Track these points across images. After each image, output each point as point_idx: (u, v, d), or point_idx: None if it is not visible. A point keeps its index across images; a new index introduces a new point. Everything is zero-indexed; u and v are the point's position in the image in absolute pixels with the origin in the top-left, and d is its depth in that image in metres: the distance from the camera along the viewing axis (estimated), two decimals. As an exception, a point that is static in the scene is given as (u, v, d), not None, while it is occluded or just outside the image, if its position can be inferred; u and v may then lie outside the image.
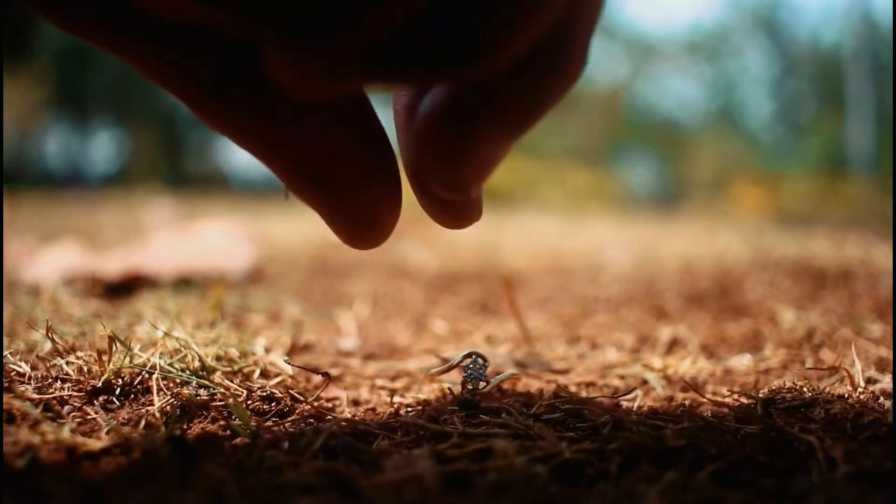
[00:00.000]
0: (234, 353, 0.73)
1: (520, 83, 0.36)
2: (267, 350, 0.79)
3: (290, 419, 0.62)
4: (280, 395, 0.65)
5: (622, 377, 0.78)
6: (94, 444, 0.51)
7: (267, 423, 0.59)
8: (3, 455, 0.47)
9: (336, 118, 0.43)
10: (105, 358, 0.64)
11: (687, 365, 0.81)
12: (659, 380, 0.76)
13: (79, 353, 0.67)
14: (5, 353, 0.68)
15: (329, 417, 0.62)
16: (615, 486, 0.48)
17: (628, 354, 0.88)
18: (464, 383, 0.65)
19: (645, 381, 0.77)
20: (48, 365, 0.66)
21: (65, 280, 1.25)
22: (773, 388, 0.64)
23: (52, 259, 1.37)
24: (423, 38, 0.31)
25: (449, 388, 0.68)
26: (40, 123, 11.52)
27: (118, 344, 0.66)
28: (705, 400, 0.67)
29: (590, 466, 0.50)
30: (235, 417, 0.57)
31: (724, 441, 0.52)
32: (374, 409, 0.66)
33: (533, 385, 0.73)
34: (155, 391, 0.61)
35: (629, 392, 0.72)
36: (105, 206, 4.34)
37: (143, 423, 0.57)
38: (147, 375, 0.63)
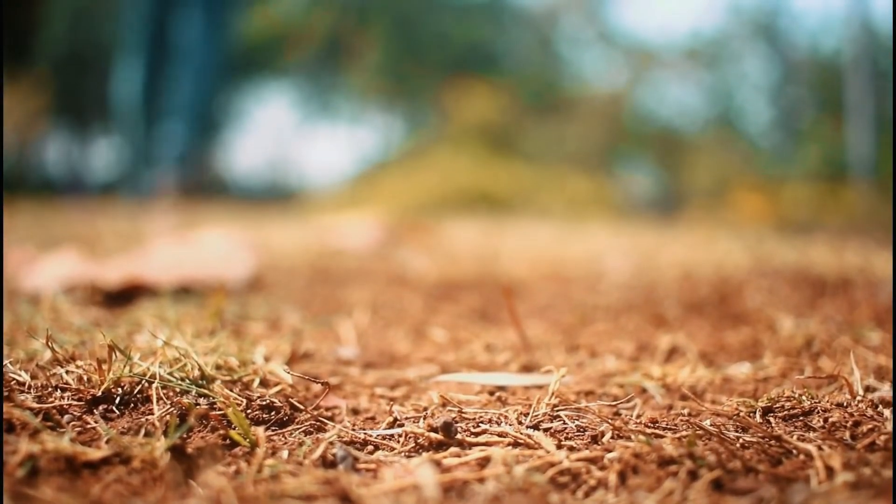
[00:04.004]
0: (233, 361, 0.73)
1: None
2: (266, 359, 0.79)
3: (289, 428, 0.62)
4: (280, 403, 0.65)
5: (621, 385, 0.78)
6: (94, 453, 0.51)
7: (266, 432, 0.59)
8: (3, 464, 0.47)
9: None
10: (105, 367, 0.64)
11: (686, 373, 0.81)
12: (658, 388, 0.76)
13: (79, 362, 0.67)
14: (5, 361, 0.68)
15: (329, 426, 0.62)
16: (614, 495, 0.48)
17: (627, 363, 0.88)
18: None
19: (644, 390, 0.77)
20: (48, 374, 0.66)
21: (64, 288, 1.25)
22: (772, 396, 0.65)
23: (51, 267, 1.37)
24: None
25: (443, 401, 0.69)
26: (40, 130, 11.53)
27: (118, 353, 0.66)
28: (704, 408, 0.67)
29: (589, 475, 0.51)
30: (235, 426, 0.57)
31: (724, 449, 0.52)
32: (373, 418, 0.67)
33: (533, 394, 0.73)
34: (155, 400, 0.61)
35: (628, 401, 0.72)
36: (105, 213, 4.34)
37: (142, 432, 0.57)
38: (147, 384, 0.63)
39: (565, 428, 0.59)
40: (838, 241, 2.69)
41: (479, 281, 1.65)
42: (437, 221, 3.89)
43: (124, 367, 0.65)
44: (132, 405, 0.62)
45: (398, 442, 0.58)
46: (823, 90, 10.17)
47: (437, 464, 0.52)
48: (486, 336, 1.04)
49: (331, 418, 0.66)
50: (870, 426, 0.56)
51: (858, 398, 0.63)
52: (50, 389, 0.62)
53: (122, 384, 0.63)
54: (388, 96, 12.93)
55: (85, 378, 0.64)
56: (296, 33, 11.76)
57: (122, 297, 1.25)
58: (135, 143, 5.63)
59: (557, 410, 0.62)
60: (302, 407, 0.65)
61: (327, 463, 0.53)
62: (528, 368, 0.85)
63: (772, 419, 0.61)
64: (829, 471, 0.49)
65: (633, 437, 0.55)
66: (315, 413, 0.64)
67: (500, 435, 0.57)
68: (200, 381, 0.65)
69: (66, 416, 0.59)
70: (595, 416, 0.62)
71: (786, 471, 0.50)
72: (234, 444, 0.56)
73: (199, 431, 0.58)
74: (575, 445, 0.56)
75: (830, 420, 0.59)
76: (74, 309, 1.12)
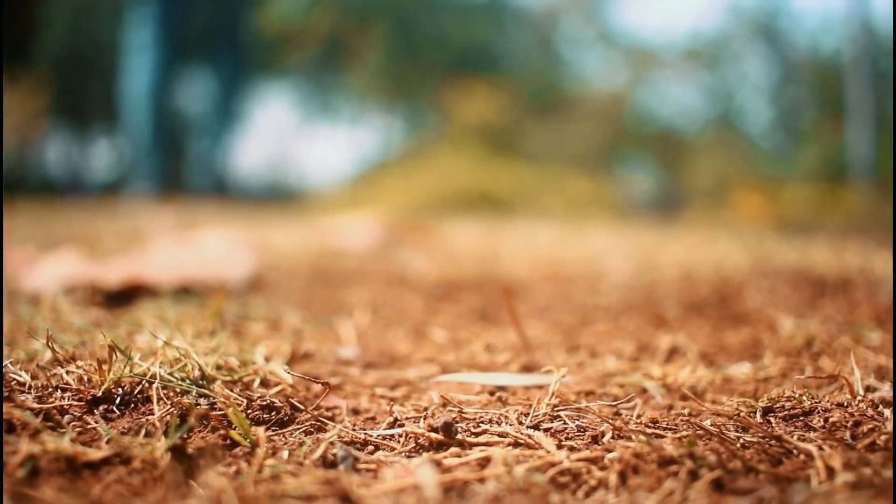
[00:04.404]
0: (234, 362, 0.73)
1: None
2: (267, 359, 0.79)
3: (290, 428, 0.62)
4: (280, 404, 0.65)
5: (622, 386, 0.78)
6: (95, 453, 0.51)
7: (267, 433, 0.59)
8: (4, 464, 0.47)
9: None
10: (105, 367, 0.64)
11: (686, 373, 0.81)
12: (658, 388, 0.76)
13: (79, 363, 0.67)
14: (6, 362, 0.68)
15: (329, 426, 0.62)
16: (615, 495, 0.48)
17: (628, 363, 0.88)
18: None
19: (644, 390, 0.77)
20: (48, 374, 0.66)
21: (65, 288, 1.25)
22: (773, 396, 0.65)
23: (51, 267, 1.37)
24: None
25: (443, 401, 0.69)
26: (40, 131, 11.53)
27: (118, 353, 0.66)
28: (705, 408, 0.67)
29: (589, 476, 0.51)
30: (235, 426, 0.57)
31: (724, 449, 0.52)
32: (373, 418, 0.67)
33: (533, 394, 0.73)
34: (155, 400, 0.61)
35: (629, 401, 0.72)
36: (105, 213, 4.35)
37: (143, 432, 0.57)
38: (147, 385, 0.63)
39: (566, 428, 0.59)
40: (838, 241, 2.69)
41: (480, 281, 1.65)
42: (438, 222, 3.89)
43: (125, 367, 0.65)
44: (132, 405, 0.62)
45: (398, 442, 0.58)
46: (823, 90, 10.17)
47: (438, 464, 0.52)
48: (486, 336, 1.04)
49: (331, 418, 0.66)
50: (870, 426, 0.56)
51: (859, 398, 0.63)
52: (50, 390, 0.62)
53: (123, 384, 0.63)
54: (388, 97, 12.92)
55: (85, 378, 0.64)
56: (296, 34, 11.76)
57: (123, 297, 1.25)
58: (143, 139, 5.70)
59: (558, 410, 0.62)
60: (302, 407, 0.65)
61: (328, 463, 0.53)
62: (528, 368, 0.85)
63: (772, 419, 0.61)
64: (830, 471, 0.49)
65: (633, 437, 0.55)
66: (315, 413, 0.64)
67: (500, 435, 0.57)
68: (201, 382, 0.65)
69: (67, 417, 0.59)
70: (595, 416, 0.62)
71: (786, 471, 0.50)
72: (235, 444, 0.56)
73: (200, 432, 0.58)
74: (575, 445, 0.56)
75: (831, 420, 0.59)
76: (75, 309, 1.12)
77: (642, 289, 1.54)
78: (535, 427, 0.59)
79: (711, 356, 0.91)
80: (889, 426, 0.56)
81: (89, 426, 0.57)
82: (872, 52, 7.88)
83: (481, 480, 0.49)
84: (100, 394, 0.62)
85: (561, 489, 0.49)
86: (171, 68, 5.68)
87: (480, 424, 0.60)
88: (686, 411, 0.67)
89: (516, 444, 0.56)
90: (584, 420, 0.60)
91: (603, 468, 0.51)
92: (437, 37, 12.70)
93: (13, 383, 0.63)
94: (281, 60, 12.49)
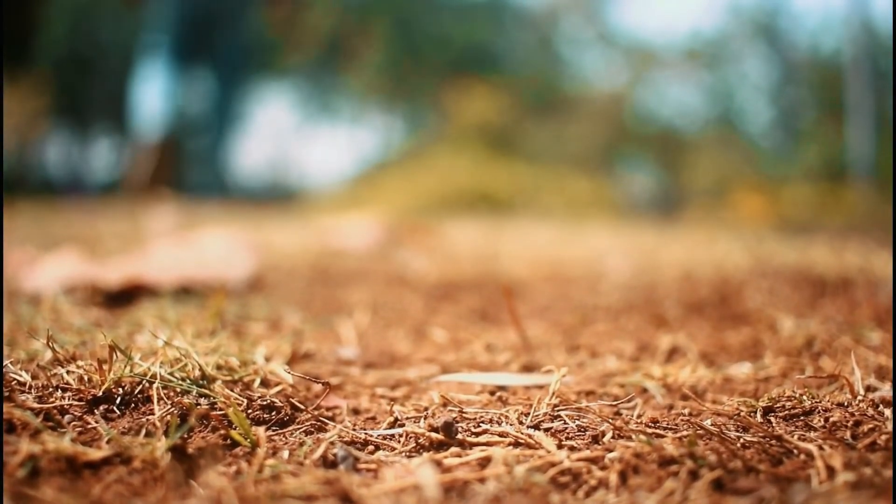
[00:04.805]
0: (234, 362, 0.73)
1: None
2: (267, 359, 0.79)
3: (290, 428, 0.62)
4: (280, 403, 0.65)
5: (622, 385, 0.78)
6: (95, 453, 0.51)
7: (267, 432, 0.59)
8: (4, 464, 0.47)
9: None
10: (105, 367, 0.64)
11: (687, 373, 0.81)
12: (659, 388, 0.76)
13: (79, 363, 0.67)
14: (6, 362, 0.68)
15: (329, 426, 0.62)
16: (615, 495, 0.48)
17: (628, 363, 0.88)
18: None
19: (645, 390, 0.77)
20: (49, 374, 0.66)
21: (65, 289, 1.25)
22: (773, 396, 0.65)
23: (52, 268, 1.37)
24: None
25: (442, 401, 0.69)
26: (40, 131, 11.53)
27: (119, 353, 0.66)
28: (705, 408, 0.67)
29: (590, 475, 0.51)
30: (236, 426, 0.57)
31: (724, 449, 0.52)
32: (374, 418, 0.67)
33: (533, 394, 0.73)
34: (155, 400, 0.61)
35: (629, 400, 0.72)
36: (105, 214, 4.34)
37: (143, 432, 0.57)
38: (147, 384, 0.63)
39: (566, 428, 0.59)
40: (838, 241, 2.69)
41: (480, 281, 1.65)
42: (438, 222, 3.89)
43: (125, 367, 0.65)
44: (133, 405, 0.62)
45: (399, 442, 0.58)
46: (823, 90, 10.16)
47: (438, 464, 0.52)
48: (486, 336, 1.04)
49: (331, 418, 0.66)
50: (871, 426, 0.56)
51: (859, 398, 0.63)
52: (51, 389, 0.62)
53: (123, 384, 0.63)
54: (388, 97, 12.93)
55: (86, 378, 0.64)
56: (296, 34, 11.75)
57: (123, 297, 1.25)
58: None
59: (558, 410, 0.62)
60: (303, 407, 0.65)
61: (328, 463, 0.53)
62: (528, 368, 0.85)
63: (772, 419, 0.61)
64: (830, 471, 0.49)
65: (633, 436, 0.55)
66: (316, 413, 0.64)
67: (500, 435, 0.57)
68: (201, 381, 0.65)
69: (67, 417, 0.59)
70: (596, 415, 0.62)
71: (786, 471, 0.50)
72: (235, 444, 0.56)
73: (200, 431, 0.58)
74: (576, 445, 0.56)
75: (831, 420, 0.59)
76: (75, 309, 1.12)
77: (642, 289, 1.54)
78: (536, 427, 0.59)
79: (712, 356, 0.91)
80: (889, 426, 0.56)
81: (90, 426, 0.57)
82: (872, 52, 7.88)
83: (482, 480, 0.49)
84: (100, 394, 0.62)
85: (561, 489, 0.49)
86: (181, 67, 5.72)
87: (481, 424, 0.60)
88: (686, 411, 0.67)
89: (517, 444, 0.56)
90: (585, 420, 0.60)
91: (603, 468, 0.51)
92: (437, 37, 12.71)
93: (13, 383, 0.63)
94: (281, 60, 12.48)
